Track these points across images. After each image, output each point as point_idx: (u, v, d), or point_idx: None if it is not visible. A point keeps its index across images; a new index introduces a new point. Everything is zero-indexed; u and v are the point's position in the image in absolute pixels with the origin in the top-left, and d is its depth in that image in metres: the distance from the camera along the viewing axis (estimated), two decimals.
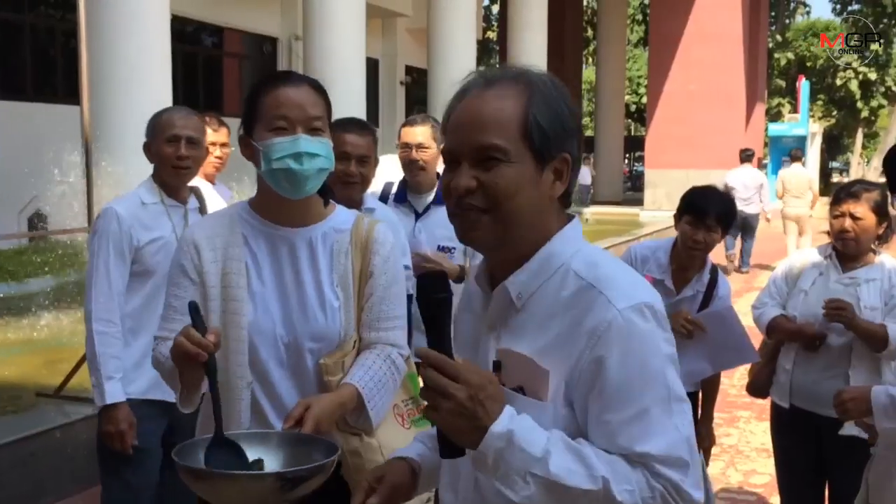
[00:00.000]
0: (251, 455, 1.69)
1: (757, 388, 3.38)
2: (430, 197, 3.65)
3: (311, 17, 11.21)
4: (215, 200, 4.07)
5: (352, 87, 11.07)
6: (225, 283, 1.97)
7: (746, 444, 5.33)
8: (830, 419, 2.99)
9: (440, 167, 3.72)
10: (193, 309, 1.75)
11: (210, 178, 3.98)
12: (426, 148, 3.61)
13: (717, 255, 14.04)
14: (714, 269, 3.37)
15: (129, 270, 2.79)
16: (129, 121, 7.35)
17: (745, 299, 9.57)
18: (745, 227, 12.44)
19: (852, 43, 31.34)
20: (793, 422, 3.25)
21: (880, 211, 3.09)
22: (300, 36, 13.12)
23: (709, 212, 3.17)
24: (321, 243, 2.03)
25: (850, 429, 2.87)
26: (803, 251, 3.52)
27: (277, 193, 1.97)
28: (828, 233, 3.29)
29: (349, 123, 3.08)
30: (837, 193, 3.24)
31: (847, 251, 3.17)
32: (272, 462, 1.70)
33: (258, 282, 1.98)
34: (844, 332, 3.09)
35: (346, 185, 3.01)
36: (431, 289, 1.32)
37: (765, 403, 5.73)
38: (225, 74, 17.24)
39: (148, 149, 2.93)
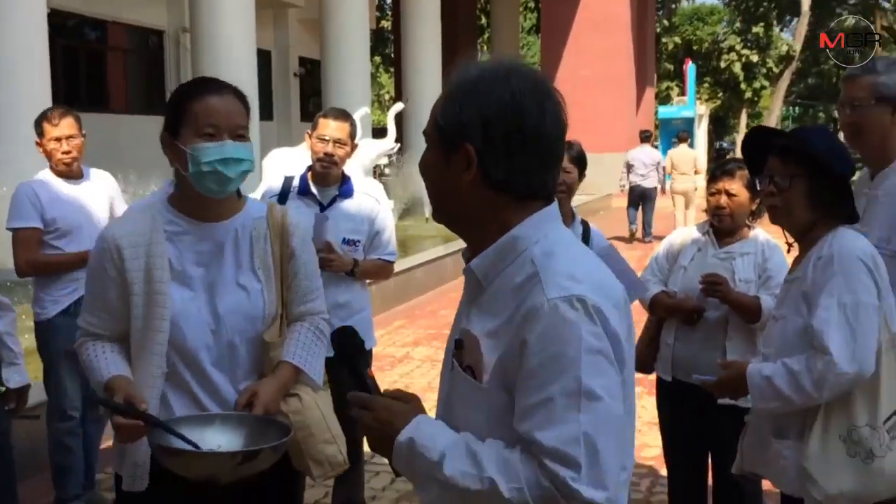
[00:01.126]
0: (213, 435, 1.99)
1: (641, 363, 3.47)
2: (336, 190, 3.69)
3: (198, 9, 10.95)
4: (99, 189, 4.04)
5: (243, 80, 10.72)
6: (148, 277, 2.10)
7: (638, 419, 5.44)
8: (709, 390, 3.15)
9: (347, 164, 3.76)
10: (111, 405, 2.00)
11: (67, 173, 3.98)
12: (343, 144, 3.67)
13: (621, 228, 14.64)
14: (584, 222, 3.43)
15: None
16: (6, 118, 7.08)
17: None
18: (644, 199, 14.29)
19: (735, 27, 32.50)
20: (676, 394, 3.36)
21: (754, 187, 3.21)
22: (188, 28, 12.82)
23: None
24: (241, 233, 2.19)
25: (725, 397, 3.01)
26: (683, 229, 3.65)
27: (199, 192, 2.12)
28: (706, 210, 3.43)
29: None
30: (713, 172, 3.37)
31: (723, 227, 3.30)
32: (230, 441, 2.00)
33: (183, 274, 2.13)
34: (720, 306, 3.21)
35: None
36: (348, 336, 1.60)
37: (654, 378, 5.90)
38: (109, 69, 16.67)
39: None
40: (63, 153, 3.91)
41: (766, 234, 3.35)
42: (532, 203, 1.47)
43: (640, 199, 14.32)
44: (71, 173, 4.00)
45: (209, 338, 2.13)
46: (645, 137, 15.06)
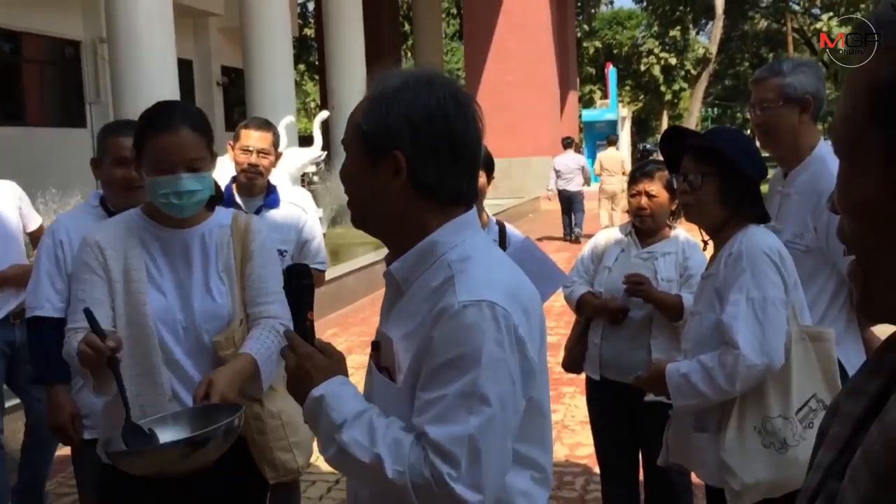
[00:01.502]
0: (169, 433, 2.07)
1: (571, 363, 3.54)
2: (261, 200, 3.67)
3: (114, 19, 10.70)
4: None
5: (163, 90, 10.65)
6: (127, 278, 2.28)
7: (572, 419, 5.59)
8: (636, 388, 3.22)
9: (272, 173, 3.73)
10: (89, 315, 2.05)
11: None
12: (267, 154, 3.65)
13: (551, 230, 15.04)
14: (500, 223, 3.44)
15: None
16: None
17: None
18: (571, 202, 15.15)
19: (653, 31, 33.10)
20: (604, 393, 3.43)
21: (672, 188, 3.30)
22: (105, 38, 12.54)
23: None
24: (208, 238, 2.36)
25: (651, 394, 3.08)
26: (607, 231, 3.70)
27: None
28: (628, 211, 3.50)
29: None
30: (633, 174, 3.44)
31: (644, 227, 3.38)
32: (180, 435, 2.07)
33: (157, 276, 2.31)
34: (644, 305, 3.29)
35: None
36: (296, 276, 1.61)
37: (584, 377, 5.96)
38: (25, 82, 16.22)
39: None
40: None
41: (686, 233, 3.44)
42: (453, 209, 1.51)
43: (568, 202, 15.15)
44: None
45: (181, 334, 2.30)
46: (567, 144, 15.83)
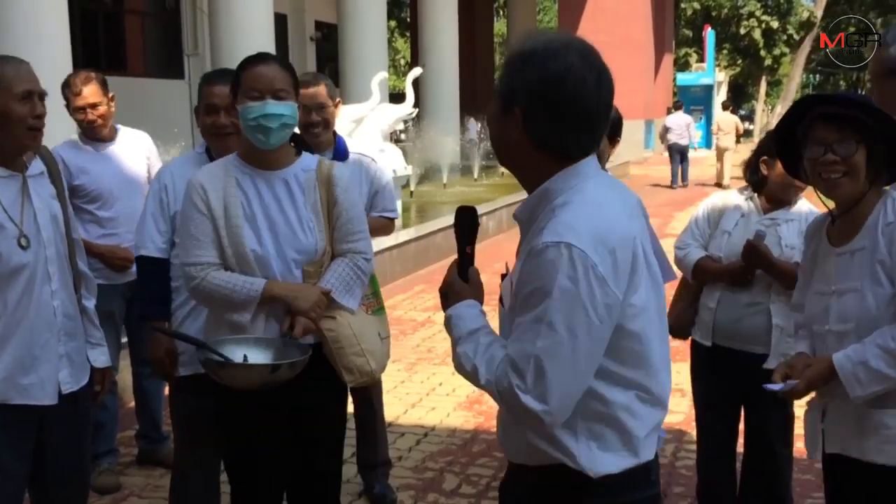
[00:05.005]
0: (256, 355, 2.49)
1: (678, 328, 3.42)
2: (329, 153, 3.62)
3: None
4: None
5: (259, 44, 10.78)
6: (227, 215, 2.55)
7: None
8: (751, 355, 3.12)
9: (337, 125, 3.71)
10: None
11: (95, 136, 3.97)
12: (325, 107, 3.60)
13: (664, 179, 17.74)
14: None
15: None
16: None
17: (685, 212, 13.02)
18: (682, 154, 18.81)
19: None
20: (713, 361, 3.33)
21: (791, 163, 3.19)
22: None
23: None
24: (294, 181, 2.62)
25: (773, 361, 2.97)
26: (722, 194, 3.54)
27: (255, 145, 2.57)
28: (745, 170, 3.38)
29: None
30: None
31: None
32: (257, 359, 2.50)
33: (250, 212, 2.57)
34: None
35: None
36: (467, 217, 1.92)
37: (676, 345, 5.88)
38: (127, 32, 16.62)
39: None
40: (88, 122, 3.89)
41: (808, 202, 3.31)
42: (567, 161, 1.73)
43: (679, 154, 18.74)
44: (100, 136, 3.97)
45: (272, 265, 2.56)
46: (677, 106, 20.30)
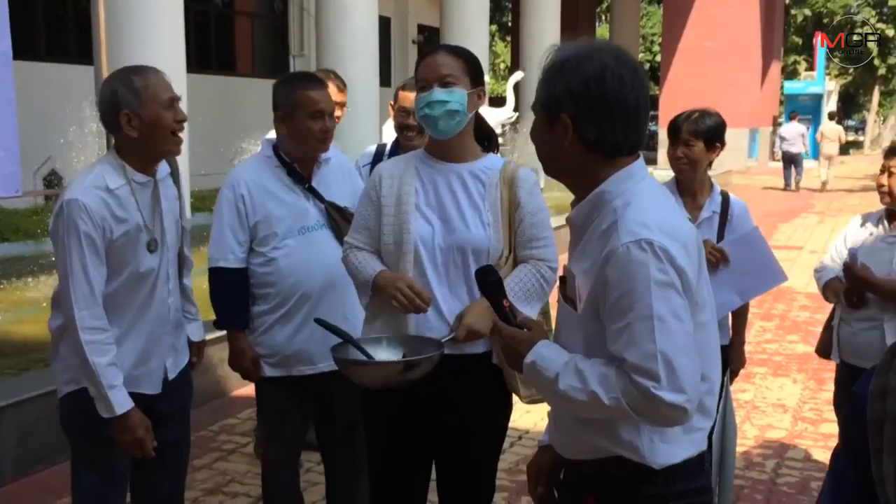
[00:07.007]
0: (391, 353, 2.46)
1: (820, 348, 3.53)
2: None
3: None
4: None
5: (364, 46, 11.00)
6: (399, 202, 2.56)
7: (763, 400, 5.36)
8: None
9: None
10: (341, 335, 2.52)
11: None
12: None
13: (763, 181, 18.90)
14: (724, 192, 3.39)
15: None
16: None
17: (789, 224, 14.17)
18: (794, 161, 20.53)
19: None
20: (843, 377, 3.39)
21: None
22: None
23: (680, 128, 3.25)
24: (472, 176, 2.57)
25: None
26: (860, 216, 3.57)
27: (432, 136, 2.58)
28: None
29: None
30: (887, 150, 3.35)
31: (883, 204, 3.28)
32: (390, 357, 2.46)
33: (424, 201, 2.56)
34: None
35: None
36: (485, 275, 1.91)
37: (780, 360, 5.74)
38: (237, 33, 17.13)
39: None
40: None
41: None
42: (619, 159, 1.77)
43: (791, 161, 20.50)
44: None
45: (437, 257, 2.53)
46: (792, 116, 21.84)
